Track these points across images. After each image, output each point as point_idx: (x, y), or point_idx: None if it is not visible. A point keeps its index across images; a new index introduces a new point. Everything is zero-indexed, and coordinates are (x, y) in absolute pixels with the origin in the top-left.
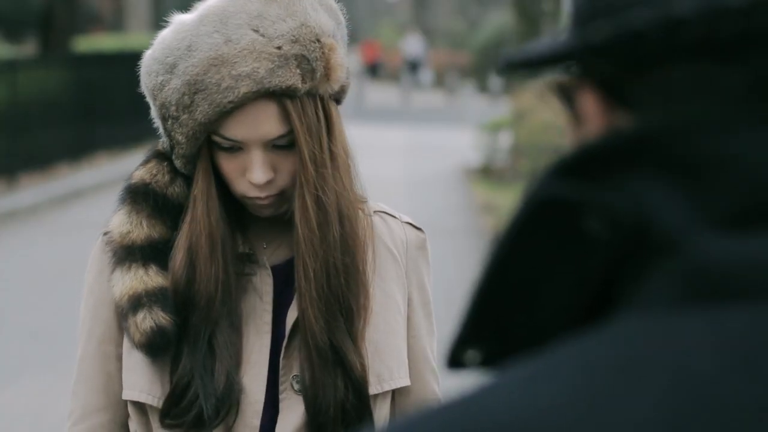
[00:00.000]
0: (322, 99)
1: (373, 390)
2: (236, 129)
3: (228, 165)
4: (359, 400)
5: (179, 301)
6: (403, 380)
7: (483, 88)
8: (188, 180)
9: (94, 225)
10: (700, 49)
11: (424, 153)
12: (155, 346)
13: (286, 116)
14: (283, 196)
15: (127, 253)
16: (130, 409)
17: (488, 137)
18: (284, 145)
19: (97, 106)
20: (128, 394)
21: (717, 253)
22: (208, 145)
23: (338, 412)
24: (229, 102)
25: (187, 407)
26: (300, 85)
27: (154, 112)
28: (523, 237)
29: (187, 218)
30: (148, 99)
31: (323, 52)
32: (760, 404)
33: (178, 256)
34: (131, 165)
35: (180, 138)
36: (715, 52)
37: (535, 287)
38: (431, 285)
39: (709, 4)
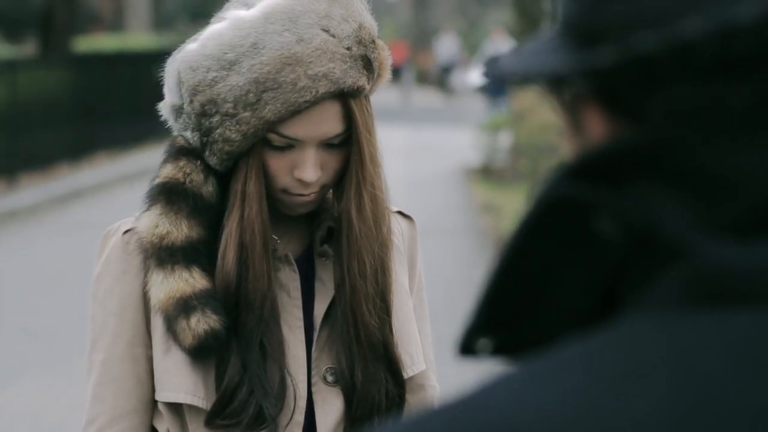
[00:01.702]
0: (368, 97)
1: None
2: (298, 128)
3: (276, 162)
4: (399, 393)
5: (230, 300)
6: (421, 364)
7: (483, 88)
8: (220, 179)
9: (94, 225)
10: (710, 68)
11: (424, 153)
12: (207, 349)
13: (347, 115)
14: (322, 193)
15: (169, 255)
16: (164, 410)
17: (488, 137)
18: (335, 143)
19: (97, 106)
20: (170, 396)
21: (722, 258)
22: (261, 145)
23: (382, 406)
24: (305, 102)
25: (240, 407)
26: (367, 86)
27: (177, 101)
28: (534, 234)
29: (235, 215)
30: (181, 93)
31: (378, 53)
32: (763, 405)
33: (230, 255)
34: (131, 165)
35: (234, 135)
36: (725, 71)
37: (545, 284)
38: (423, 271)
39: (719, 25)
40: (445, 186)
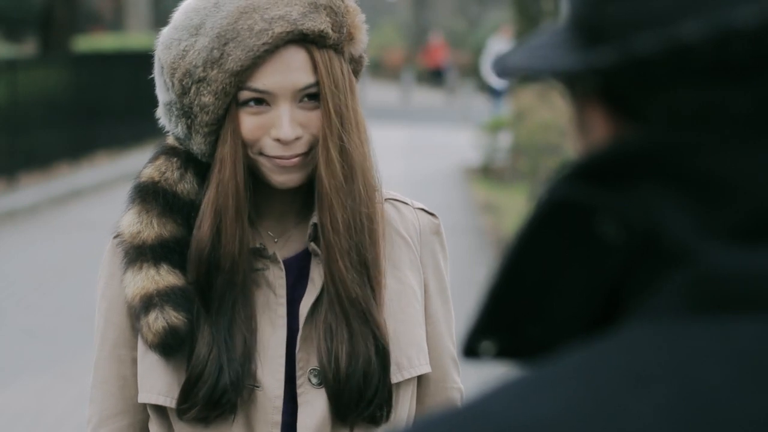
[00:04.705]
0: (345, 60)
1: (393, 379)
2: (266, 78)
3: (252, 124)
4: (381, 362)
5: (202, 267)
6: (423, 367)
7: (483, 87)
8: (198, 175)
9: (94, 225)
10: (709, 71)
11: (424, 152)
12: (168, 346)
13: (314, 66)
14: (306, 160)
15: (138, 253)
16: (150, 412)
17: (488, 137)
18: (311, 96)
19: (97, 106)
20: (145, 397)
21: (725, 265)
22: (235, 106)
23: (357, 370)
24: (264, 44)
25: (201, 385)
26: (330, 33)
27: (167, 98)
28: (537, 236)
29: (213, 181)
30: (165, 80)
31: (348, 11)
32: (766, 417)
33: (207, 222)
34: (131, 165)
35: (208, 99)
36: (724, 74)
37: (547, 287)
38: (448, 270)
39: (718, 28)
40: (445, 186)
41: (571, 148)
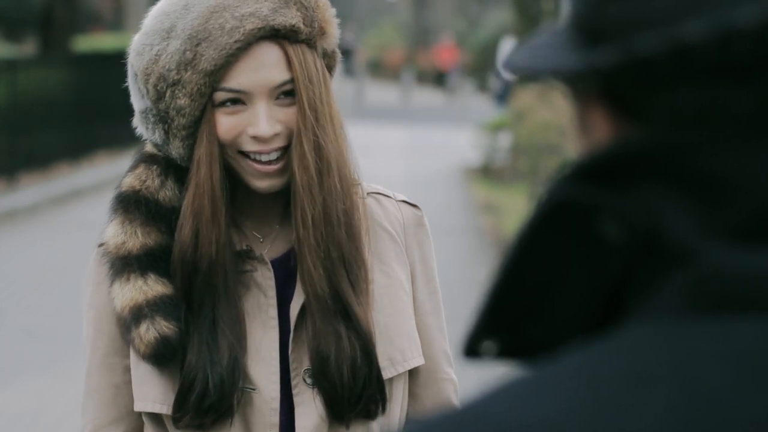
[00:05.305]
0: (319, 55)
1: (387, 374)
2: (241, 77)
3: (229, 123)
4: (366, 356)
5: (186, 269)
6: (416, 360)
7: (483, 87)
8: (179, 181)
9: (93, 225)
10: (711, 71)
11: (424, 152)
12: (161, 356)
13: (288, 62)
14: (287, 166)
15: (124, 264)
16: (145, 419)
17: (488, 137)
18: (287, 93)
19: (97, 106)
20: (141, 406)
21: (727, 265)
22: (211, 107)
23: (344, 366)
24: (236, 41)
25: (191, 394)
26: (302, 27)
27: (143, 105)
28: (537, 237)
29: (191, 183)
30: (139, 87)
31: (318, 6)
32: (767, 416)
33: (187, 225)
34: None
35: (183, 101)
36: (726, 74)
37: (548, 287)
38: (434, 261)
39: (720, 28)
40: (444, 186)
41: (571, 148)
